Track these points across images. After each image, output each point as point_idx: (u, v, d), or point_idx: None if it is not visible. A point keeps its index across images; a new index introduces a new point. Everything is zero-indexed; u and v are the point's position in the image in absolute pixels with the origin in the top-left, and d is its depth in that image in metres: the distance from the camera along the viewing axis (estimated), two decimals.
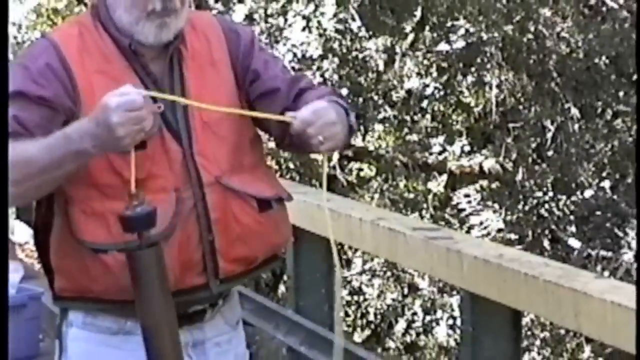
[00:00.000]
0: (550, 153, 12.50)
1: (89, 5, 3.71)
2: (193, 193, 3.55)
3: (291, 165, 12.13)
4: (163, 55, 3.64)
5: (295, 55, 12.20)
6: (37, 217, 3.69)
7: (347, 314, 12.01)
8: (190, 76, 3.64)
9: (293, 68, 12.16)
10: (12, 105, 3.58)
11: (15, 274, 8.06)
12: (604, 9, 12.53)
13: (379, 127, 12.73)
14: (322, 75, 12.24)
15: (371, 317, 12.33)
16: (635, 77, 12.23)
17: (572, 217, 12.38)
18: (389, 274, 12.27)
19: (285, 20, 12.38)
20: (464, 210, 12.63)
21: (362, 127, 12.48)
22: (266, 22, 12.25)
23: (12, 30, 13.52)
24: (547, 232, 12.37)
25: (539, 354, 11.84)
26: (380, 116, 12.58)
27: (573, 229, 12.32)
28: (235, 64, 3.75)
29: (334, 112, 3.45)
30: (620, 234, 11.97)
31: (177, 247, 3.50)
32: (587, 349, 11.62)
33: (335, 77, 12.27)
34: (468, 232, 11.79)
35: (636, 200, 10.74)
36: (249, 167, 3.68)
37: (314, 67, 12.29)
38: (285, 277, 8.51)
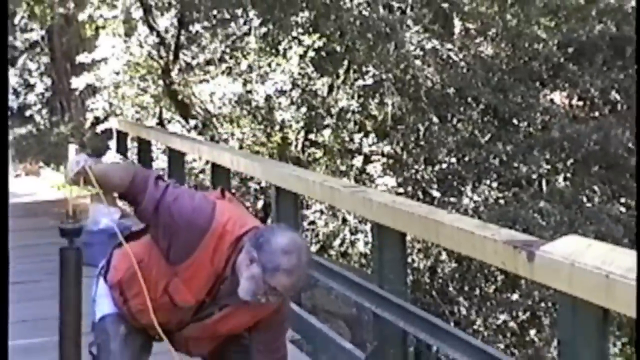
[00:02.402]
0: (422, 142, 12.46)
1: (251, 243, 3.02)
2: (174, 328, 3.22)
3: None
4: (233, 297, 3.08)
5: (276, 88, 12.07)
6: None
7: (307, 235, 11.97)
8: (231, 308, 3.15)
9: (276, 97, 12.20)
10: (160, 184, 3.11)
11: (115, 215, 8.01)
12: (450, 60, 12.51)
13: (325, 130, 12.62)
14: (291, 99, 12.20)
15: (320, 237, 12.27)
16: (481, 105, 12.29)
17: (435, 179, 12.38)
18: (330, 212, 12.22)
19: (270, 67, 12.27)
20: (372, 175, 12.66)
21: (314, 129, 12.49)
22: (259, 69, 12.17)
23: (113, 76, 13.25)
24: (420, 188, 12.38)
25: (417, 256, 11.80)
26: (325, 123, 12.48)
27: (435, 186, 12.32)
28: (257, 326, 3.24)
29: None
30: (462, 189, 12.01)
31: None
32: (444, 253, 11.62)
33: (299, 100, 12.19)
34: (375, 188, 11.76)
35: (636, 198, 9.72)
36: (214, 342, 3.36)
37: (287, 95, 12.19)
38: (270, 215, 8.48)
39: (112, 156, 11.56)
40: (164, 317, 3.16)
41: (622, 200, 11.75)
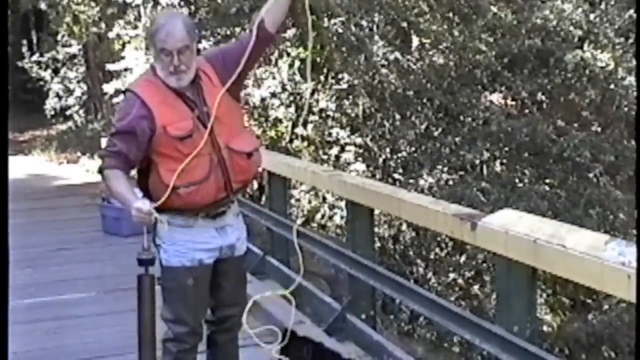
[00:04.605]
0: (387, 135, 12.43)
1: (150, 67, 3.45)
2: (216, 155, 3.37)
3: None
4: (192, 88, 3.37)
5: (270, 92, 12.02)
6: (140, 167, 3.47)
7: (294, 210, 11.91)
8: (206, 94, 3.39)
9: (269, 98, 12.14)
10: (119, 137, 3.35)
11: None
12: (410, 69, 12.49)
13: (308, 125, 12.58)
14: (281, 100, 12.14)
15: (305, 212, 12.23)
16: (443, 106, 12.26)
17: (397, 165, 12.33)
18: (312, 192, 12.18)
19: (264, 75, 12.22)
20: (347, 162, 12.61)
21: (300, 125, 12.43)
22: (255, 76, 12.10)
23: None
24: (386, 172, 12.35)
25: (382, 226, 11.74)
26: (309, 119, 12.44)
27: (400, 171, 12.30)
28: (221, 75, 3.45)
29: None
30: (420, 173, 12.01)
31: (214, 182, 3.36)
32: (405, 225, 11.61)
33: (288, 101, 12.14)
34: (349, 172, 11.70)
35: (636, 198, 7.74)
36: (238, 133, 3.49)
37: (278, 97, 12.12)
38: (265, 194, 8.45)
39: None
40: (204, 148, 3.35)
41: (547, 180, 11.82)
